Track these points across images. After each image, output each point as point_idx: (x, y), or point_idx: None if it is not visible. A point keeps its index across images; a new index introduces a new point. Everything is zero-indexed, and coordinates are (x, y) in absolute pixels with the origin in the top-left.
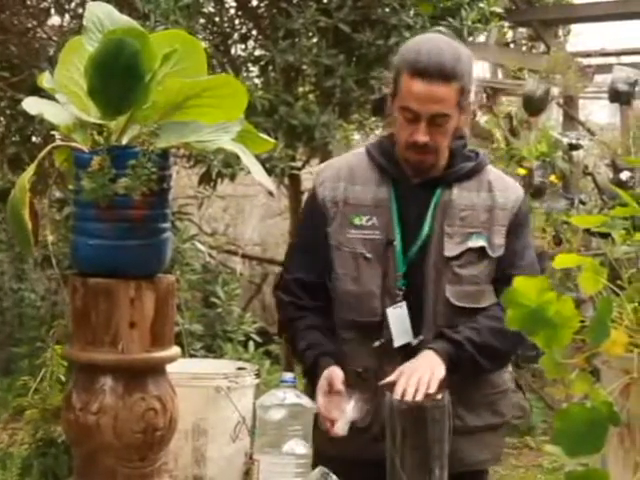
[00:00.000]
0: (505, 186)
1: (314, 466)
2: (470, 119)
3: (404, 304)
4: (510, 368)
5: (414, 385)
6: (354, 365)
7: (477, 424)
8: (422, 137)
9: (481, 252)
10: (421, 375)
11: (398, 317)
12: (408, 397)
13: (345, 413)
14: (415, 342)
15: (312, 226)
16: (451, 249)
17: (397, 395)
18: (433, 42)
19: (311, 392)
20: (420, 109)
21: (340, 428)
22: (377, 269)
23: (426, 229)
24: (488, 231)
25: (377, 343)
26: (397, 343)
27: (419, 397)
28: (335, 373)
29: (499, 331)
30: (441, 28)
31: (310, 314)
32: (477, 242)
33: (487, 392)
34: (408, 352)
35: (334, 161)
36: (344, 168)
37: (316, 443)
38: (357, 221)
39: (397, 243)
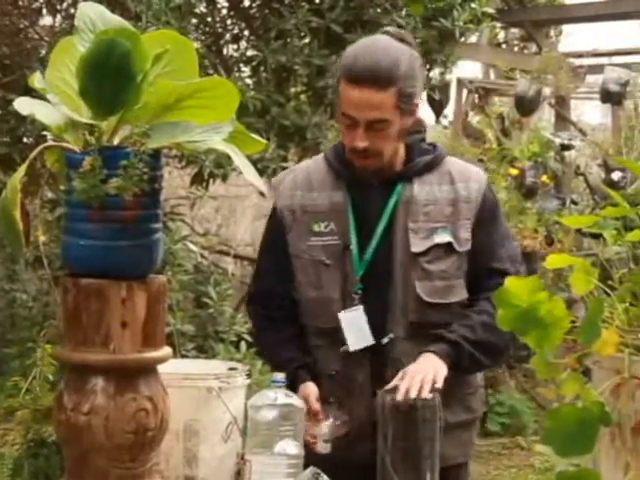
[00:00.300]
0: (467, 177)
1: (305, 466)
2: (462, 119)
3: (361, 307)
4: None
5: (418, 384)
6: (327, 369)
7: (451, 421)
8: (360, 143)
9: (448, 247)
10: (425, 374)
11: (353, 321)
12: (412, 394)
13: (322, 434)
14: (385, 341)
15: (272, 236)
16: (417, 244)
17: (400, 396)
18: (370, 47)
19: None
20: (357, 115)
21: (322, 447)
22: (336, 274)
23: (381, 228)
24: (453, 225)
25: (343, 348)
26: (353, 348)
27: (424, 394)
28: (309, 390)
29: (492, 326)
30: (389, 28)
31: (279, 324)
32: (443, 237)
33: (464, 390)
34: (377, 354)
35: (292, 169)
36: (301, 175)
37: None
38: (316, 228)
39: (353, 247)
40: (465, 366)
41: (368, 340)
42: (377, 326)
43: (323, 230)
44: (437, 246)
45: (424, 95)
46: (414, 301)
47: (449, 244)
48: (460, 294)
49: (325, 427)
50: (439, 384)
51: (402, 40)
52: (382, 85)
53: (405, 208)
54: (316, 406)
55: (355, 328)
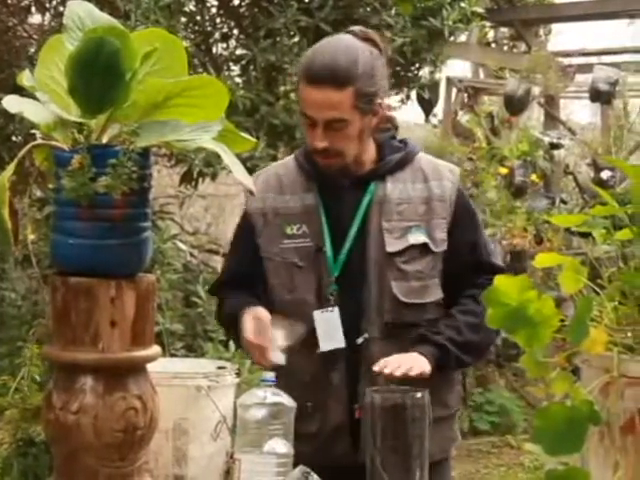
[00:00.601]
0: (440, 175)
1: (295, 465)
2: (452, 118)
3: (336, 309)
4: None
5: (396, 364)
6: (301, 375)
7: None
8: (319, 143)
9: (424, 248)
10: (405, 361)
11: (327, 321)
12: (387, 370)
13: (276, 340)
14: (360, 340)
15: (239, 239)
16: (392, 244)
17: (377, 367)
18: (328, 47)
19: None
20: (315, 115)
21: (276, 357)
22: (310, 277)
23: (355, 228)
24: (427, 224)
25: (319, 350)
26: (323, 348)
27: (398, 373)
28: (259, 309)
29: (477, 325)
30: (354, 27)
31: (241, 294)
32: (418, 237)
33: (440, 386)
34: (353, 355)
35: (264, 171)
36: (272, 178)
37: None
38: (289, 230)
39: (327, 249)
40: (449, 367)
41: (340, 342)
42: (352, 327)
43: (296, 232)
44: (412, 247)
45: (413, 94)
46: (390, 301)
47: (424, 245)
48: (435, 294)
49: (278, 335)
50: (413, 372)
51: (367, 39)
52: (339, 85)
53: (378, 208)
54: (266, 314)
55: (328, 329)
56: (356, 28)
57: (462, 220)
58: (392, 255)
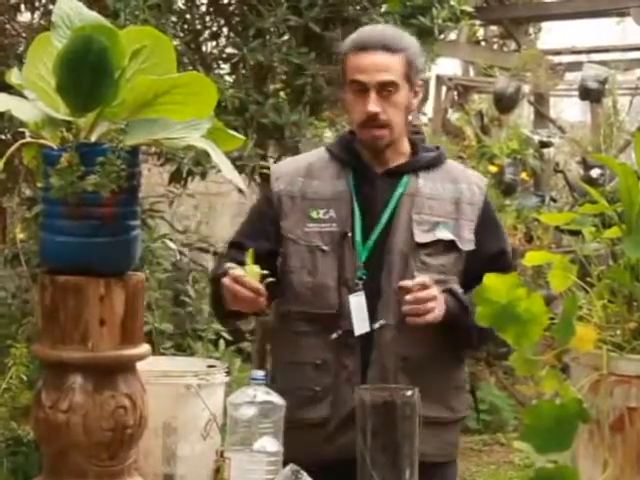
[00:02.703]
0: (469, 179)
1: (285, 464)
2: (442, 116)
3: (362, 293)
4: (466, 368)
5: (421, 300)
6: (311, 357)
7: (426, 414)
8: (373, 106)
9: (450, 244)
10: (429, 300)
11: (357, 305)
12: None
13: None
14: (376, 326)
15: (260, 212)
16: (421, 236)
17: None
18: (374, 26)
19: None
20: (367, 79)
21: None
22: (334, 261)
23: (386, 217)
24: (455, 222)
25: (335, 335)
26: (358, 332)
27: (417, 315)
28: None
29: None
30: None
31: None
32: (446, 234)
33: (442, 385)
34: (367, 341)
35: (292, 159)
36: (302, 164)
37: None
38: (315, 214)
39: (357, 233)
40: (456, 332)
41: (366, 327)
42: (369, 313)
43: (322, 217)
44: (439, 241)
45: None
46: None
47: (451, 241)
48: None
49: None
50: (431, 318)
51: None
52: (390, 49)
53: (410, 200)
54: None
55: (359, 312)
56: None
57: (488, 226)
58: (419, 246)
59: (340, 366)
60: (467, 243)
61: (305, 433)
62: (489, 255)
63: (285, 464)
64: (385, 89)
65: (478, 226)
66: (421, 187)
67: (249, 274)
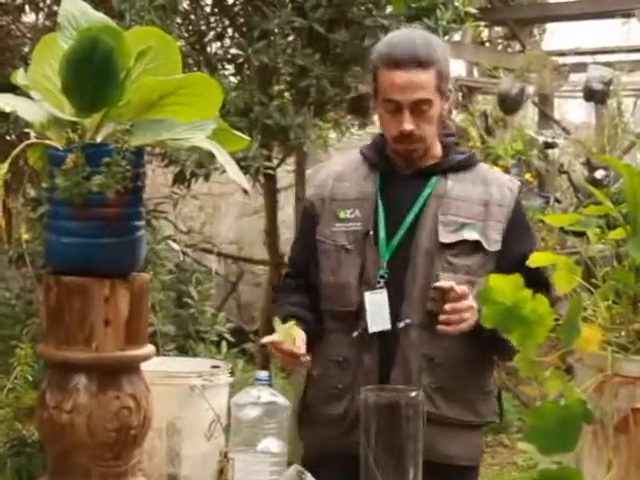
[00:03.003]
0: (501, 182)
1: (289, 464)
2: (448, 114)
3: (384, 291)
4: (495, 373)
5: (460, 316)
6: (335, 354)
7: (450, 416)
8: (408, 125)
9: (476, 245)
10: (469, 307)
11: (376, 303)
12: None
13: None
14: (401, 325)
15: (303, 225)
16: (446, 236)
17: (440, 285)
18: (405, 34)
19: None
20: (401, 98)
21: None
22: (356, 260)
23: (411, 217)
24: (483, 223)
25: (355, 333)
26: (372, 329)
27: (459, 327)
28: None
29: None
30: (416, 25)
31: (292, 294)
32: (472, 234)
33: (469, 389)
34: (388, 340)
35: (327, 163)
36: (334, 167)
37: (296, 442)
38: (342, 215)
39: (380, 232)
40: (482, 340)
41: (386, 324)
42: (392, 312)
43: (349, 217)
44: (465, 242)
45: None
46: (434, 291)
47: (477, 242)
48: None
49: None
50: (463, 327)
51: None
52: (424, 65)
53: (437, 200)
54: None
55: (377, 310)
56: (417, 26)
57: (518, 229)
58: (444, 247)
59: (359, 363)
60: (493, 244)
61: (325, 428)
62: (519, 257)
63: (305, 457)
64: (419, 107)
65: (508, 228)
66: (449, 188)
67: (284, 336)
